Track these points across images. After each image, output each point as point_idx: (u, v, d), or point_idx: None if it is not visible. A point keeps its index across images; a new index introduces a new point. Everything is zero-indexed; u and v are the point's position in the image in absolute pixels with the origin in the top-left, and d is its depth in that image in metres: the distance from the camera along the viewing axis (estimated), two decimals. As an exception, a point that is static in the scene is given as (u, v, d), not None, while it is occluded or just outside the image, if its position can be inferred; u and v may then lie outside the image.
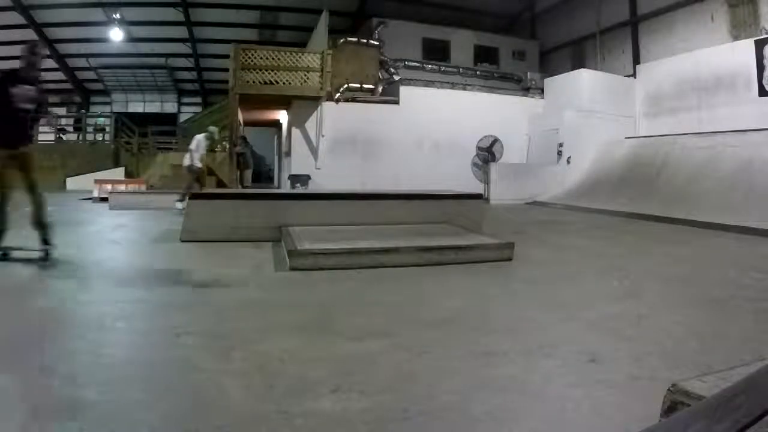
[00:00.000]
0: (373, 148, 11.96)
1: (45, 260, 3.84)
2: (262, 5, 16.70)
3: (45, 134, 16.69)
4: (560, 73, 13.49)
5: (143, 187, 11.34)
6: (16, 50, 17.12)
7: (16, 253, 3.95)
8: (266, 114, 14.27)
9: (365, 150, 11.91)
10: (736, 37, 10.47)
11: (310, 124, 11.84)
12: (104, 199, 9.54)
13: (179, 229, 5.20)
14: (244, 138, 12.37)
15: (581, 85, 12.16)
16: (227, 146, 12.20)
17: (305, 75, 11.13)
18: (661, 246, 5.58)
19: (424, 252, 4.12)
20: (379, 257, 3.98)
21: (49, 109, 3.64)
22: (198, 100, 21.62)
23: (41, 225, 3.92)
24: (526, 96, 14.13)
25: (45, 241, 3.91)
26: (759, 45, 9.52)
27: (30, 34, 16.78)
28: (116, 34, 17.11)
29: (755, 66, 9.55)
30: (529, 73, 15.33)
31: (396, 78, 13.31)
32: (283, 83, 11.05)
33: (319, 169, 11.62)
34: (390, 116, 12.17)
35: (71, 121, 18.48)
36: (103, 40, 17.30)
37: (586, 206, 9.69)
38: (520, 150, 12.95)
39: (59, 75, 19.37)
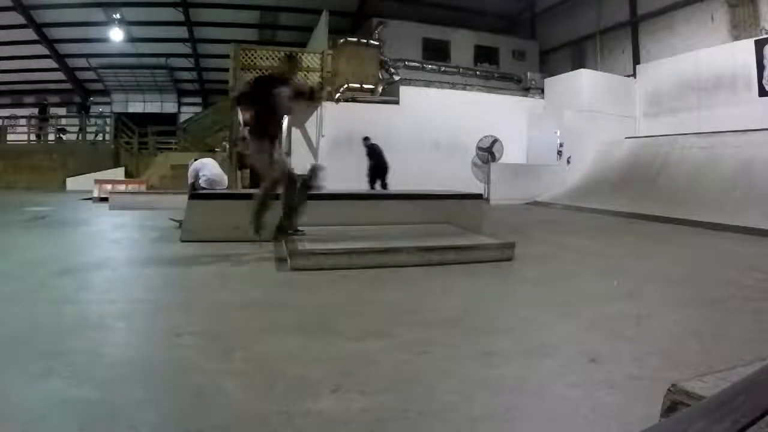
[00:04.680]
0: (373, 148, 11.94)
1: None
2: (262, 5, 16.71)
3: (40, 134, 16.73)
4: (560, 73, 13.50)
5: (143, 188, 11.35)
6: (16, 50, 17.15)
7: None
8: (266, 114, 14.25)
9: (365, 150, 11.89)
10: (736, 37, 10.47)
11: (310, 124, 11.83)
12: (104, 199, 9.55)
13: (179, 230, 5.20)
14: (244, 138, 12.35)
15: (581, 85, 12.16)
16: (227, 146, 12.21)
17: (305, 75, 11.12)
18: (661, 246, 5.58)
19: (425, 252, 4.12)
20: (380, 257, 3.98)
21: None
22: (198, 100, 21.63)
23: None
24: (526, 96, 14.12)
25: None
26: (759, 45, 9.52)
27: (30, 34, 16.82)
28: (116, 34, 17.12)
29: (755, 66, 9.55)
30: (529, 73, 15.33)
31: (396, 78, 13.30)
32: (283, 83, 11.04)
33: (318, 169, 11.62)
34: (390, 116, 12.15)
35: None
36: (103, 40, 17.31)
37: (586, 206, 9.69)
38: (520, 150, 12.94)
39: (59, 75, 19.38)
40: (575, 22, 14.91)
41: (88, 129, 16.74)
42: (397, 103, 12.35)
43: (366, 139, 11.20)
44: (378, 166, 10.83)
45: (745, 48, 9.74)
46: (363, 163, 11.64)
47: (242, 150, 12.03)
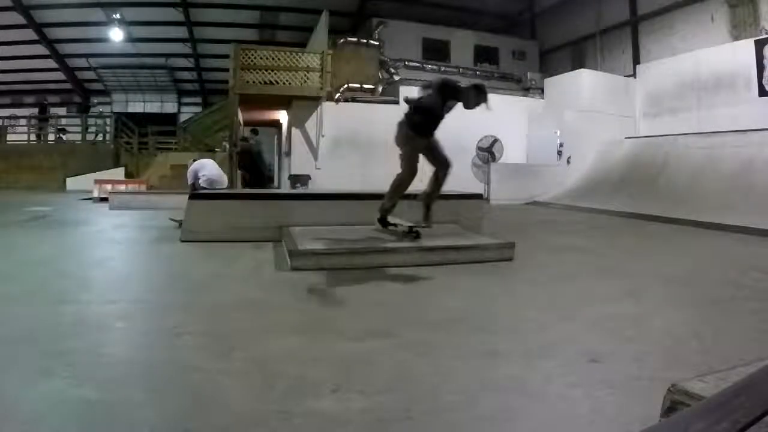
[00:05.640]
0: (373, 148, 11.92)
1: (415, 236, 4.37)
2: (262, 5, 16.72)
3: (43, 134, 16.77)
4: (560, 73, 13.49)
5: (143, 188, 11.35)
6: (16, 50, 17.17)
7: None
8: (266, 114, 14.29)
9: (365, 150, 11.89)
10: (736, 37, 10.47)
11: (310, 124, 11.84)
12: (104, 199, 9.55)
13: (179, 229, 5.20)
14: (245, 139, 12.36)
15: (581, 85, 12.15)
16: (227, 146, 12.22)
17: (305, 75, 11.13)
18: (661, 246, 5.58)
19: (425, 252, 4.12)
20: (380, 257, 3.98)
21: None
22: (198, 100, 21.63)
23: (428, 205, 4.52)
24: (526, 96, 14.12)
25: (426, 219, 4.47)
26: (759, 45, 9.52)
27: (30, 34, 16.82)
28: (116, 34, 17.13)
29: (755, 66, 9.55)
30: (529, 73, 15.33)
31: (396, 78, 13.30)
32: (283, 83, 11.05)
33: (319, 169, 11.63)
34: (390, 116, 12.11)
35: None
36: (103, 40, 17.32)
37: (586, 206, 9.68)
38: (520, 150, 12.93)
39: (59, 75, 19.38)
40: (575, 22, 14.91)
41: (89, 129, 16.75)
42: (397, 103, 12.34)
43: (254, 131, 11.18)
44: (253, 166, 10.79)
45: (745, 48, 9.74)
46: (364, 163, 11.67)
47: (242, 150, 12.04)
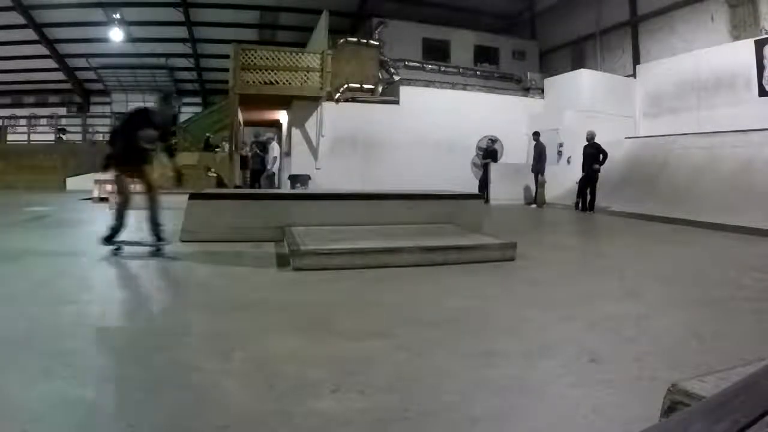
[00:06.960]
0: (373, 148, 11.95)
1: (157, 252, 4.48)
2: (262, 5, 16.72)
3: (45, 134, 16.82)
4: (560, 73, 13.49)
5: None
6: (16, 50, 17.14)
7: (130, 248, 4.55)
8: (266, 114, 14.29)
9: (365, 150, 11.90)
10: (736, 37, 10.46)
11: (310, 124, 11.84)
12: (104, 199, 9.54)
13: (179, 229, 5.19)
14: (254, 143, 12.44)
15: (581, 85, 12.14)
16: (226, 146, 12.24)
17: (305, 75, 11.13)
18: (661, 246, 5.58)
19: (427, 252, 4.11)
20: (382, 257, 3.98)
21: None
22: (198, 100, 21.63)
23: (155, 223, 4.59)
24: (526, 96, 14.12)
25: (158, 238, 4.55)
26: (759, 45, 9.51)
27: (30, 34, 16.82)
28: (116, 34, 17.13)
29: (755, 66, 9.54)
30: (529, 73, 15.33)
31: (396, 78, 13.30)
32: (283, 83, 11.06)
33: (319, 169, 11.63)
34: (390, 116, 12.16)
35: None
36: (103, 40, 17.32)
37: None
38: (520, 150, 12.93)
39: (59, 75, 19.38)
40: (575, 22, 14.90)
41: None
42: (397, 103, 12.35)
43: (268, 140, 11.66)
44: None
45: (745, 48, 9.73)
46: (364, 163, 11.68)
47: (244, 152, 12.09)
